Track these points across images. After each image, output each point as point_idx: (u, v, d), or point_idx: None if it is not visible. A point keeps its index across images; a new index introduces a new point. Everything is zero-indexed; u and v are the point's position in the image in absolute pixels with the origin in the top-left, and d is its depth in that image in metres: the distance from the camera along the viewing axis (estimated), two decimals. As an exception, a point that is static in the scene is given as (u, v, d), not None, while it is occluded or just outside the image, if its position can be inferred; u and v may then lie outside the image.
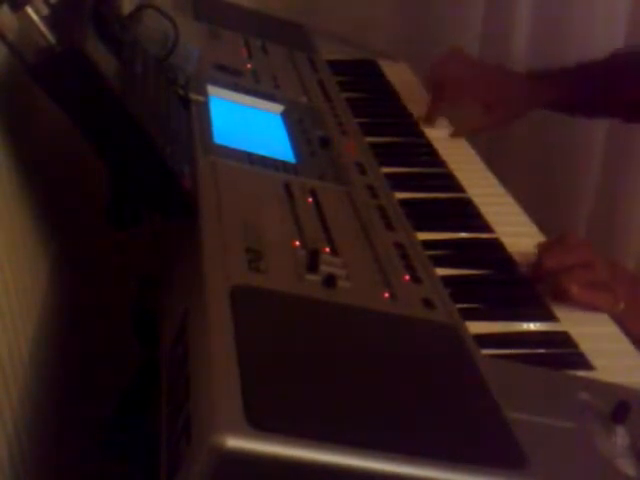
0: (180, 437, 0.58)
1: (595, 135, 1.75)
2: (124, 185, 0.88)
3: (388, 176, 1.07)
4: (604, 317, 0.90)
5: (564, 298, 0.89)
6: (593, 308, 0.89)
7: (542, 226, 1.06)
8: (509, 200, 1.12)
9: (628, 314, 0.90)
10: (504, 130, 1.59)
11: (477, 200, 1.08)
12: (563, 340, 0.86)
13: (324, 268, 0.76)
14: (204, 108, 1.01)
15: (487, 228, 1.03)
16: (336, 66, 1.40)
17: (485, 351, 0.78)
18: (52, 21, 0.74)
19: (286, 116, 1.10)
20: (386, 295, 0.78)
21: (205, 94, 1.04)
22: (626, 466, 0.67)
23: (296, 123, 1.09)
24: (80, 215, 1.08)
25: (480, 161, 1.22)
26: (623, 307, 0.90)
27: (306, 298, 0.72)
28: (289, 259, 0.76)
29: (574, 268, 0.90)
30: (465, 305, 0.85)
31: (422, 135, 1.25)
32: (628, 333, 0.88)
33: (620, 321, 0.89)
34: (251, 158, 0.93)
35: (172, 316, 0.74)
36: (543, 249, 0.94)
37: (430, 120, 1.28)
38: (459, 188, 1.11)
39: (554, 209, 1.74)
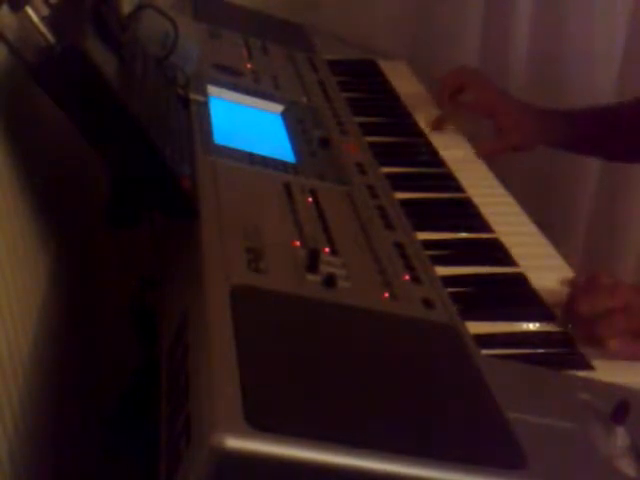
0: (180, 437, 0.58)
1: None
2: (124, 185, 0.88)
3: (388, 176, 1.07)
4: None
5: (600, 346, 0.84)
6: (634, 359, 0.84)
7: (542, 226, 1.06)
8: (509, 200, 1.12)
9: None
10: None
11: (477, 200, 1.08)
12: (563, 340, 0.86)
13: (324, 268, 0.76)
14: (204, 108, 1.01)
15: (487, 228, 1.03)
16: (336, 66, 1.40)
17: (485, 351, 0.79)
18: (52, 21, 0.74)
19: (286, 116, 1.10)
20: (386, 295, 0.78)
21: (205, 94, 1.04)
22: (626, 466, 0.67)
23: (296, 123, 1.09)
24: (80, 215, 1.07)
25: (480, 161, 1.22)
26: None
27: (306, 298, 0.72)
28: (289, 259, 0.76)
29: (613, 314, 0.84)
30: (465, 305, 0.85)
31: (422, 135, 1.25)
32: None
33: None
34: (251, 158, 0.93)
35: (172, 316, 0.74)
36: (576, 291, 0.89)
37: (441, 124, 1.27)
38: (459, 188, 1.11)
39: (554, 209, 1.74)
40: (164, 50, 1.00)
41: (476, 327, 0.82)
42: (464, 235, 1.01)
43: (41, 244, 0.89)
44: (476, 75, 1.38)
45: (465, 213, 1.06)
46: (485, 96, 1.34)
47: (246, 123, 1.07)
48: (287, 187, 0.90)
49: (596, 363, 0.82)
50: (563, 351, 0.84)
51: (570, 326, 0.87)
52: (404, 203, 1.01)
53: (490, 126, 1.34)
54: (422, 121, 1.30)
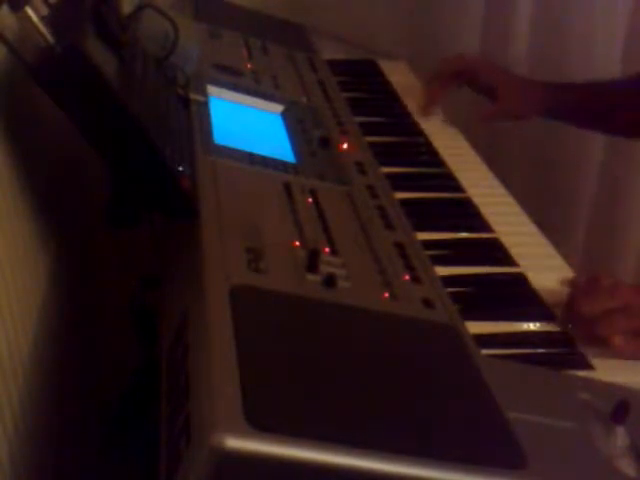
0: (180, 437, 0.58)
1: (595, 135, 1.75)
2: (124, 185, 0.88)
3: (388, 176, 1.07)
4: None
5: (602, 345, 0.84)
6: (635, 358, 0.84)
7: (542, 226, 1.06)
8: (509, 200, 1.12)
9: None
10: (501, 127, 1.59)
11: (477, 200, 1.08)
12: (563, 340, 0.86)
13: (324, 268, 0.76)
14: (204, 108, 1.01)
15: (487, 228, 1.03)
16: (336, 66, 1.40)
17: (485, 351, 0.79)
18: (52, 21, 0.74)
19: (286, 116, 1.10)
20: (386, 295, 0.78)
21: (205, 94, 1.04)
22: (626, 466, 0.67)
23: (296, 123, 1.09)
24: (80, 215, 1.08)
25: (480, 161, 1.22)
26: None
27: (306, 298, 0.72)
28: (289, 259, 0.76)
29: (613, 314, 0.84)
30: (465, 305, 0.85)
31: (422, 135, 1.25)
32: None
33: None
34: (251, 158, 0.93)
35: (172, 316, 0.74)
36: (576, 292, 0.88)
37: (428, 108, 1.28)
38: (459, 188, 1.11)
39: (554, 209, 1.74)
40: (164, 50, 1.00)
41: (476, 327, 0.82)
42: (464, 235, 1.01)
43: (41, 244, 0.89)
44: (478, 59, 1.39)
45: (465, 213, 1.06)
46: (488, 72, 1.34)
47: (246, 123, 1.07)
48: (287, 187, 0.90)
49: (596, 363, 0.82)
50: (563, 351, 0.84)
51: (570, 326, 0.87)
52: (404, 203, 1.01)
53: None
54: (422, 121, 1.30)
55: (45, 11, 0.76)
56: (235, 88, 1.11)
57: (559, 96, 1.35)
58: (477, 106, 1.39)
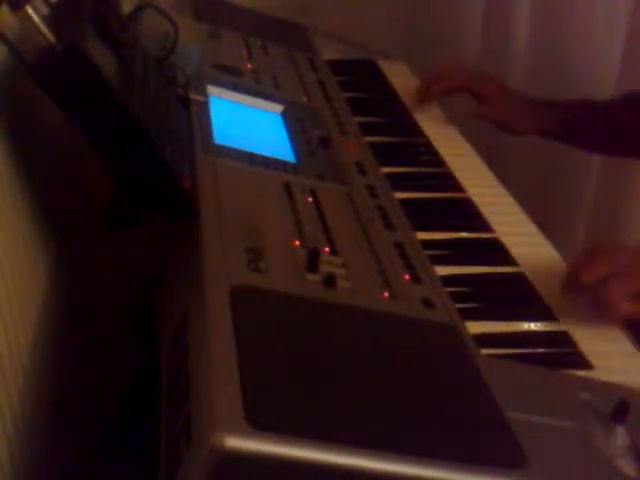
0: (180, 437, 0.58)
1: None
2: (124, 185, 0.88)
3: (388, 176, 1.07)
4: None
5: (609, 313, 0.83)
6: None
7: (542, 226, 1.06)
8: (509, 200, 1.12)
9: None
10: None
11: (477, 200, 1.08)
12: (563, 340, 0.85)
13: (324, 268, 0.76)
14: (204, 108, 1.01)
15: (487, 228, 1.03)
16: (336, 66, 1.40)
17: (485, 351, 0.78)
18: (52, 21, 0.74)
19: (286, 116, 1.10)
20: (386, 295, 0.78)
21: (205, 94, 1.04)
22: (626, 466, 0.67)
23: (296, 123, 1.09)
24: (80, 215, 1.08)
25: (480, 161, 1.22)
26: None
27: (306, 298, 0.72)
28: (289, 259, 0.76)
29: (615, 279, 0.82)
30: (465, 305, 0.85)
31: (422, 135, 1.25)
32: None
33: None
34: (251, 158, 0.93)
35: (172, 316, 0.74)
36: (576, 262, 0.88)
37: (422, 105, 1.28)
38: (459, 188, 1.11)
39: (554, 209, 1.74)
40: (164, 50, 1.00)
41: (476, 327, 0.82)
42: (464, 235, 1.01)
43: (41, 244, 0.90)
44: (473, 73, 1.39)
45: (465, 213, 1.06)
46: (484, 89, 1.35)
47: (246, 123, 1.07)
48: (287, 187, 0.90)
49: (596, 363, 0.82)
50: (563, 351, 0.84)
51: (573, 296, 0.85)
52: (404, 203, 1.01)
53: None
54: (422, 121, 1.30)
55: (45, 11, 0.76)
56: (235, 88, 1.11)
57: (550, 115, 1.37)
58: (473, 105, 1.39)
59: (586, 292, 0.85)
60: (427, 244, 0.94)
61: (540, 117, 1.37)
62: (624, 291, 0.82)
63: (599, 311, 0.84)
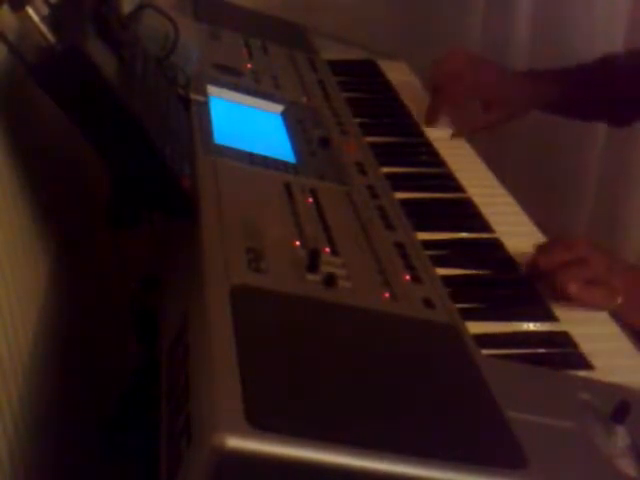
0: (180, 437, 0.58)
1: (595, 135, 1.75)
2: (124, 185, 0.88)
3: (388, 176, 1.07)
4: (604, 317, 0.89)
5: (562, 297, 0.89)
6: (592, 305, 0.89)
7: (542, 226, 1.06)
8: (509, 200, 1.12)
9: (627, 306, 0.89)
10: (501, 128, 1.59)
11: (477, 200, 1.08)
12: (563, 340, 0.85)
13: (324, 268, 0.76)
14: (204, 108, 1.01)
15: (487, 228, 1.03)
16: (336, 66, 1.40)
17: (485, 351, 0.78)
18: (52, 21, 0.74)
19: (286, 116, 1.10)
20: (386, 295, 0.78)
21: (205, 94, 1.04)
22: (626, 466, 0.67)
23: (296, 123, 1.09)
24: (80, 215, 1.08)
25: (480, 161, 1.22)
26: (621, 301, 0.89)
27: (306, 298, 0.72)
28: (289, 259, 0.76)
29: (569, 265, 0.90)
30: (465, 305, 0.85)
31: (422, 135, 1.25)
32: (627, 325, 0.87)
33: (619, 314, 0.89)
34: (251, 158, 0.93)
35: (172, 316, 0.74)
36: (539, 248, 0.94)
37: (431, 121, 1.28)
38: (459, 188, 1.11)
39: (554, 209, 1.74)
40: (164, 50, 1.00)
41: (476, 327, 0.82)
42: (464, 235, 1.01)
43: (41, 244, 0.90)
44: (450, 65, 1.35)
45: (465, 213, 1.06)
46: (465, 85, 1.34)
47: (246, 123, 1.07)
48: (287, 187, 0.90)
49: (596, 363, 0.82)
50: (563, 351, 0.84)
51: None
52: (404, 203, 1.01)
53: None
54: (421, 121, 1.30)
55: (46, 11, 0.76)
56: (235, 88, 1.11)
57: (546, 87, 1.36)
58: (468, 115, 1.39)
59: (543, 277, 0.91)
60: (427, 244, 0.94)
61: (539, 93, 1.36)
62: (577, 277, 0.89)
63: (555, 296, 0.89)
